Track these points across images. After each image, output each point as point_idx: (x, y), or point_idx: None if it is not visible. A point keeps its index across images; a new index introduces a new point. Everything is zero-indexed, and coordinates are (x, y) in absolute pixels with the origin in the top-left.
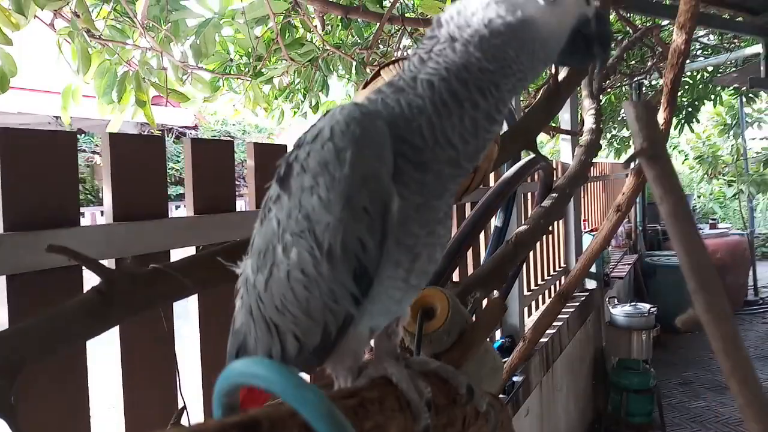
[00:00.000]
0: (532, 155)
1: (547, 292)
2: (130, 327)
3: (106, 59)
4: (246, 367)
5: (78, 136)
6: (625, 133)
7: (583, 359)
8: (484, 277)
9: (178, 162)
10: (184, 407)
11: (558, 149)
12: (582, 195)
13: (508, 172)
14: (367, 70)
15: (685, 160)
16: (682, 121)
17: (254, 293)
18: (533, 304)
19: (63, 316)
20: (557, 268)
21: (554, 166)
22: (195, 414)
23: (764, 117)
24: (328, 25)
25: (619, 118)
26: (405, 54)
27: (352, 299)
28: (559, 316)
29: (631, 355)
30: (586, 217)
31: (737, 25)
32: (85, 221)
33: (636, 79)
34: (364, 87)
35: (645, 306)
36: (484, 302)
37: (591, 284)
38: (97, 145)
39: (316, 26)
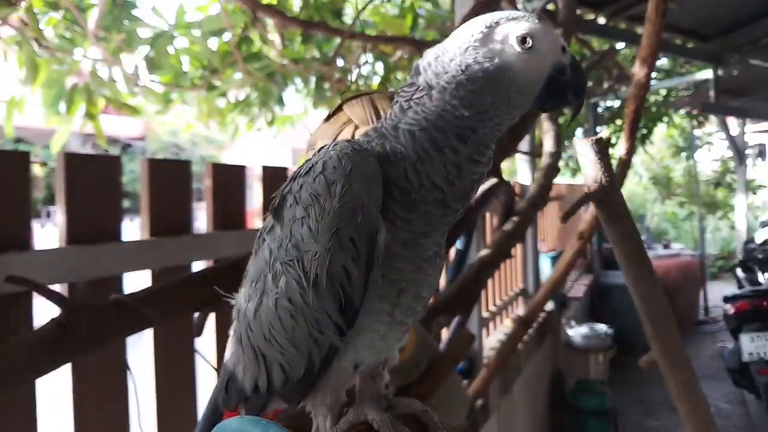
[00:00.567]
0: (495, 180)
1: (504, 312)
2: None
3: (55, 69)
4: (240, 426)
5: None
6: None
7: (540, 381)
8: (448, 303)
9: (124, 175)
10: None
11: (515, 169)
12: (538, 216)
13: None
14: (326, 85)
15: (640, 181)
16: (637, 142)
17: (245, 322)
18: (491, 325)
19: (20, 349)
20: (514, 289)
21: (512, 186)
22: None
23: (714, 140)
24: (286, 39)
25: (574, 138)
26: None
27: (337, 329)
28: None
29: (589, 376)
30: (543, 237)
31: (689, 51)
32: None
33: (592, 100)
34: (326, 120)
35: (602, 327)
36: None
37: (549, 306)
38: (37, 155)
39: (273, 40)
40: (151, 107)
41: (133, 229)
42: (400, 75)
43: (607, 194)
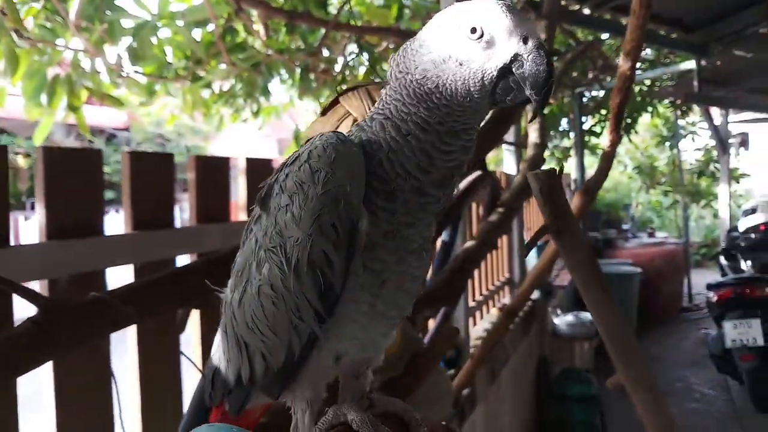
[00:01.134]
0: (479, 172)
1: (491, 302)
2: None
3: (36, 60)
4: None
5: None
6: (566, 143)
7: (526, 369)
8: (433, 295)
9: (108, 165)
10: None
11: (501, 158)
12: (524, 206)
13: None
14: (311, 76)
15: (625, 170)
16: (621, 132)
17: (230, 311)
18: (477, 314)
19: None
20: (500, 279)
21: (498, 176)
22: None
23: (697, 130)
24: (271, 29)
25: (560, 129)
26: (350, 73)
27: (316, 316)
28: None
29: (574, 364)
30: (529, 227)
31: (672, 41)
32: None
33: (577, 90)
34: (323, 114)
35: (587, 315)
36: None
37: (534, 294)
38: (20, 146)
39: (258, 31)
40: (135, 99)
41: (118, 221)
42: (386, 65)
43: (561, 225)
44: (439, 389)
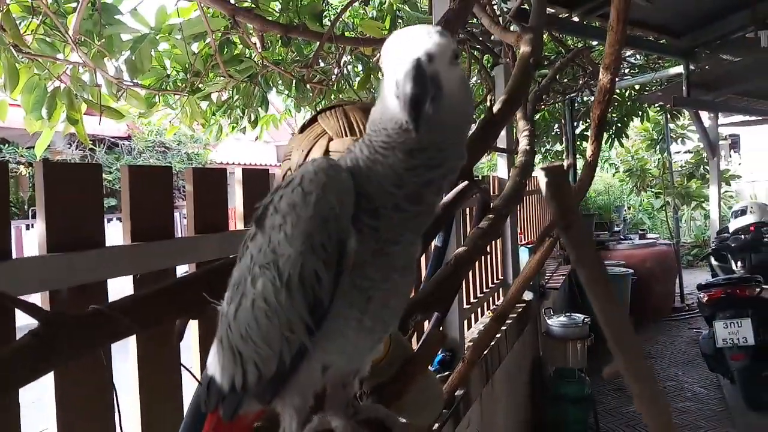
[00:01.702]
0: (466, 182)
1: (486, 304)
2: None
3: (35, 74)
4: None
5: (0, 146)
6: (558, 147)
7: (521, 370)
8: (425, 300)
9: (110, 173)
10: None
11: (494, 163)
12: (517, 209)
13: (446, 198)
14: (308, 87)
15: (616, 173)
16: (612, 136)
17: (226, 322)
18: (472, 317)
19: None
20: (495, 281)
21: (490, 181)
22: None
23: (687, 133)
24: (267, 41)
25: (552, 133)
26: (345, 83)
27: (306, 329)
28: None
29: (567, 364)
30: (522, 230)
31: (661, 47)
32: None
33: (568, 96)
34: (301, 131)
35: (579, 316)
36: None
37: (528, 295)
38: (22, 156)
39: (255, 43)
40: (135, 111)
41: (119, 230)
42: (381, 76)
43: (569, 220)
44: (427, 394)
